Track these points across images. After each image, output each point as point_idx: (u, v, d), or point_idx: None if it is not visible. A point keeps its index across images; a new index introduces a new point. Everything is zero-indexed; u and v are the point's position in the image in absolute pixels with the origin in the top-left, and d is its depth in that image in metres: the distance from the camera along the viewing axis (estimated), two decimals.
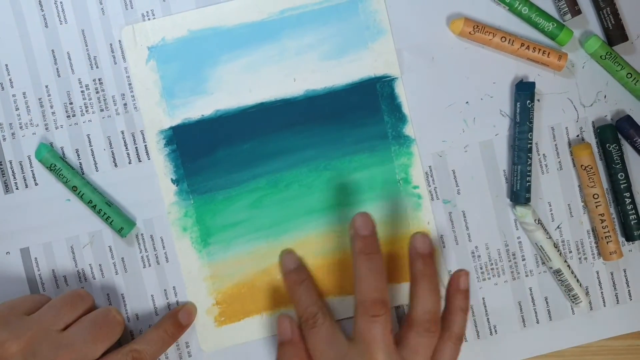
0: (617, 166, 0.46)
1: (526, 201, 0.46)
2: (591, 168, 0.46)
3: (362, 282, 0.40)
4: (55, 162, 0.44)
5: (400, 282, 0.47)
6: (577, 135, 0.47)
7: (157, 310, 0.46)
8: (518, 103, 0.46)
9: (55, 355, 0.39)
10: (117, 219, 0.45)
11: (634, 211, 0.46)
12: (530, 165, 0.46)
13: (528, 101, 0.46)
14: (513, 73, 0.47)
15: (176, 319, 0.45)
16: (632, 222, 0.47)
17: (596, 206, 0.46)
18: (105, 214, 0.45)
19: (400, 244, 0.47)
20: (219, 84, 0.46)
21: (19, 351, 0.39)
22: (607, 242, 0.46)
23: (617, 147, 0.46)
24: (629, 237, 0.47)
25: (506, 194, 0.47)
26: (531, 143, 0.46)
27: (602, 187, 0.46)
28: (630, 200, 0.46)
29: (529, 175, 0.46)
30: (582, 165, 0.46)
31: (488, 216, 0.47)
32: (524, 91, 0.46)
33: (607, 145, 0.46)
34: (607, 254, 0.47)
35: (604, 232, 0.46)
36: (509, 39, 0.45)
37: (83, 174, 0.46)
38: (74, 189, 0.45)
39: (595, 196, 0.46)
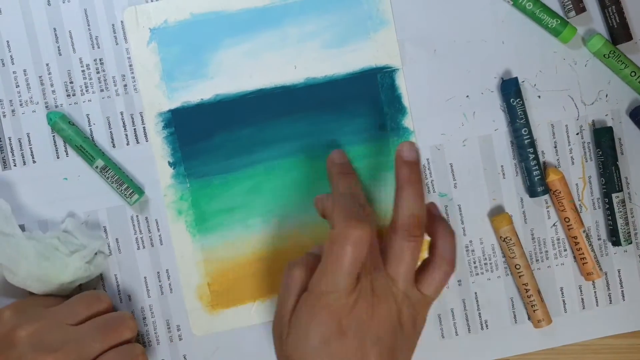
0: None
1: (541, 194, 0.46)
2: (510, 239, 0.46)
3: (406, 205, 0.39)
4: (69, 127, 0.45)
5: None
6: (577, 133, 0.47)
7: (150, 292, 0.46)
8: (505, 103, 0.46)
9: (61, 346, 0.40)
10: (131, 184, 0.45)
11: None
12: (535, 159, 0.46)
13: (511, 99, 0.45)
14: (515, 68, 0.47)
15: None
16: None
17: (519, 276, 0.46)
18: (119, 178, 0.45)
19: None
20: (219, 69, 0.46)
21: (27, 336, 0.40)
22: (534, 311, 0.46)
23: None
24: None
25: (502, 189, 0.47)
26: (529, 138, 0.46)
27: (525, 258, 0.46)
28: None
29: (536, 169, 0.46)
30: (501, 237, 0.46)
31: (483, 211, 0.47)
32: (506, 90, 0.46)
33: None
34: (536, 321, 0.47)
35: (530, 301, 0.46)
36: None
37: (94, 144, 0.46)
38: (90, 157, 0.45)
39: (517, 267, 0.46)
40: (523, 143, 0.46)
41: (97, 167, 0.45)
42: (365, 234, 0.36)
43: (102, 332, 0.41)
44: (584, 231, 0.46)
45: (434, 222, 0.41)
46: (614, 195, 0.46)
